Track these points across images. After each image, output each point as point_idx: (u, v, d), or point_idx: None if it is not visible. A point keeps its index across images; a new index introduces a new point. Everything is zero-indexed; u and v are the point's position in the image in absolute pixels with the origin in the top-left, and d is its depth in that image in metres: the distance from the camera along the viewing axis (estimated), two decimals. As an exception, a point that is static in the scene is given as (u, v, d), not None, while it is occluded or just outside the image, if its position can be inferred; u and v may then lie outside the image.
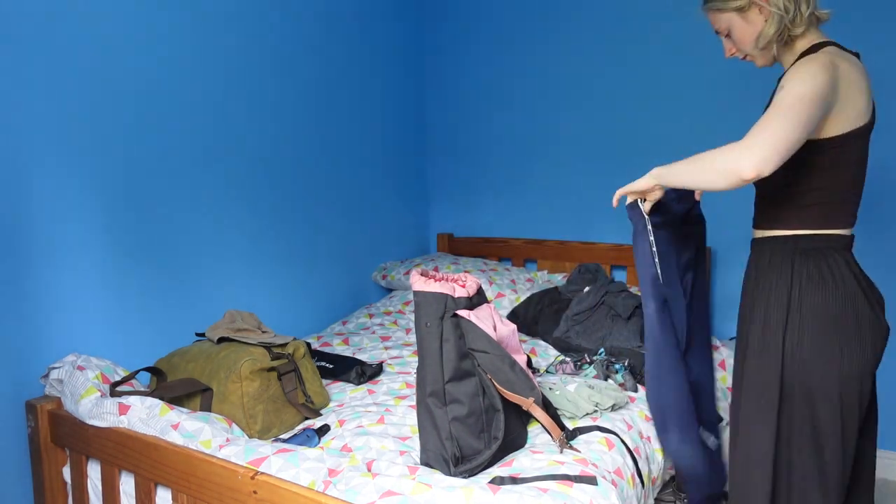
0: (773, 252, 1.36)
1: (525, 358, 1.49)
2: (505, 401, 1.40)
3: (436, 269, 2.69)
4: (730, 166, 1.19)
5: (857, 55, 1.36)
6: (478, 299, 1.47)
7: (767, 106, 1.32)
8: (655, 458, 1.65)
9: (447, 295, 1.39)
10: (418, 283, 1.42)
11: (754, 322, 1.35)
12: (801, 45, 1.35)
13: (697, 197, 1.57)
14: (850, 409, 1.31)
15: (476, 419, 1.36)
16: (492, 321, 1.45)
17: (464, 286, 1.44)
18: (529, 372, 1.47)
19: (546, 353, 2.18)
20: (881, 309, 1.37)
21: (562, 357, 2.06)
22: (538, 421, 1.42)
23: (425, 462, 1.36)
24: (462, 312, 1.39)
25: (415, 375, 1.81)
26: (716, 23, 1.42)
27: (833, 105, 1.24)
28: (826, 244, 1.32)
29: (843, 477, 1.35)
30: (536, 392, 1.39)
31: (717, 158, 1.23)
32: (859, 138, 1.30)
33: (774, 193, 1.37)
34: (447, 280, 1.47)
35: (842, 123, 1.27)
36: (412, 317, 2.55)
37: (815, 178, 1.31)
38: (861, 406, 1.34)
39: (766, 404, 1.32)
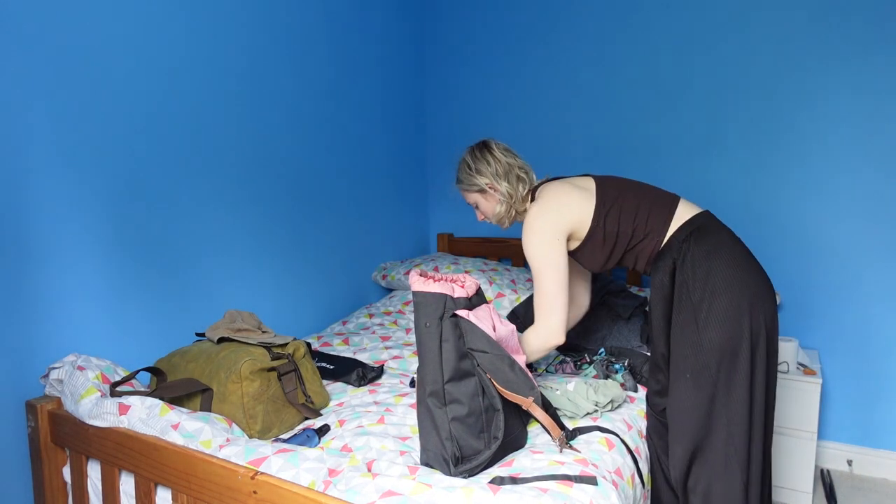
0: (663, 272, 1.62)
1: (524, 358, 1.49)
2: (505, 401, 1.40)
3: (436, 270, 2.69)
4: (543, 347, 1.65)
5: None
6: (477, 300, 1.47)
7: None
8: (655, 459, 1.65)
9: (446, 295, 1.39)
10: (417, 283, 1.42)
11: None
12: (526, 204, 1.77)
13: None
14: None
15: (476, 419, 1.36)
16: (491, 321, 1.45)
17: (463, 286, 1.44)
18: (529, 372, 1.47)
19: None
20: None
21: (562, 357, 2.06)
22: (538, 420, 1.42)
23: (425, 462, 1.36)
24: (461, 313, 1.39)
25: (415, 376, 1.81)
26: (467, 198, 1.84)
27: (571, 224, 1.64)
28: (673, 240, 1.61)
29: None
30: (536, 392, 1.39)
31: (530, 349, 1.65)
32: (603, 198, 1.66)
33: (626, 254, 1.69)
34: (446, 280, 1.47)
35: (586, 218, 1.64)
36: (412, 317, 2.55)
37: (620, 228, 1.64)
38: None
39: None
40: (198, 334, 1.81)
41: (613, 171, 2.77)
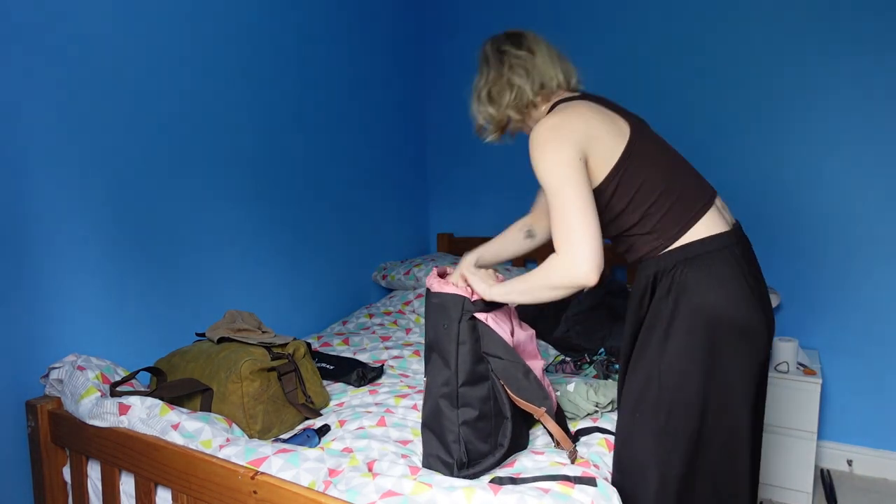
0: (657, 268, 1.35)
1: (542, 363, 1.46)
2: (514, 407, 1.38)
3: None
4: (559, 283, 1.26)
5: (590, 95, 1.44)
6: (496, 302, 1.43)
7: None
8: (655, 459, 1.65)
9: (465, 297, 1.36)
10: (436, 283, 1.39)
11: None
12: (538, 113, 1.45)
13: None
14: None
15: (486, 423, 1.35)
16: (510, 325, 1.42)
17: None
18: (546, 379, 1.45)
19: (546, 353, 2.18)
20: None
21: (562, 357, 2.06)
22: (549, 431, 1.40)
23: (427, 465, 1.36)
24: (480, 315, 1.36)
25: (414, 377, 1.81)
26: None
27: (588, 158, 1.29)
28: (702, 248, 1.31)
29: None
30: (549, 402, 1.36)
31: (550, 282, 1.27)
32: (629, 159, 1.32)
33: (617, 236, 1.40)
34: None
35: (602, 167, 1.31)
36: (412, 317, 2.55)
37: (629, 207, 1.34)
38: None
39: None
40: (198, 334, 1.81)
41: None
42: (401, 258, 3.03)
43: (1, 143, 1.53)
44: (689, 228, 1.31)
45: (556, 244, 1.25)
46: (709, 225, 1.32)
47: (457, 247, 3.13)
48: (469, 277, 1.41)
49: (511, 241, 1.67)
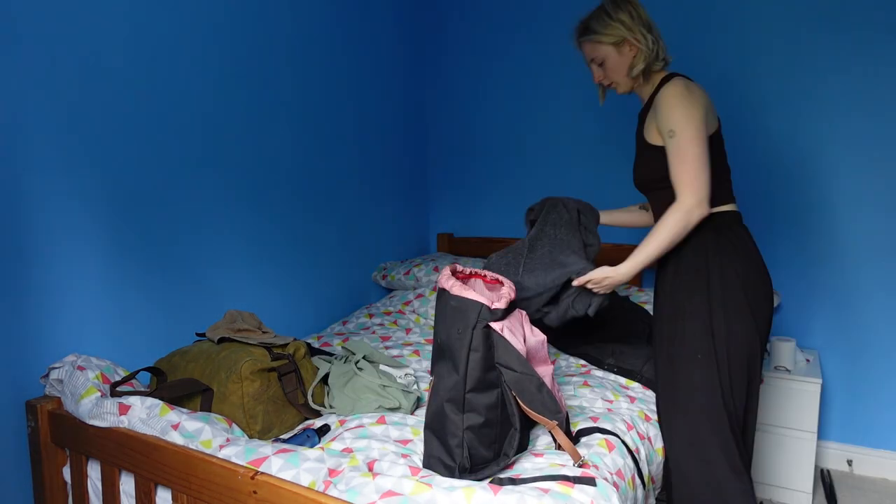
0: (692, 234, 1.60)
1: (552, 368, 1.45)
2: (522, 417, 1.37)
3: (471, 271, 2.69)
4: (690, 224, 1.53)
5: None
6: (511, 307, 1.42)
7: (639, 130, 1.70)
8: (654, 459, 1.65)
9: (483, 304, 1.34)
10: (457, 287, 1.37)
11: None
12: (656, 77, 1.67)
13: None
14: None
15: (490, 430, 1.34)
16: (522, 332, 1.40)
17: (500, 298, 1.39)
18: (557, 388, 1.45)
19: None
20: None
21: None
22: (558, 442, 1.39)
23: (427, 465, 1.36)
24: (495, 326, 1.34)
25: (413, 377, 1.81)
26: (593, 52, 1.69)
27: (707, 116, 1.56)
28: (729, 219, 1.62)
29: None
30: (561, 416, 1.35)
31: (678, 231, 1.54)
32: (717, 137, 1.62)
33: (668, 194, 1.61)
34: (476, 276, 1.44)
35: (709, 127, 1.58)
36: (412, 317, 2.55)
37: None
38: None
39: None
40: (198, 334, 1.81)
41: (616, 170, 2.76)
42: (401, 258, 3.03)
43: (1, 143, 1.53)
44: (726, 203, 1.63)
45: (683, 185, 1.51)
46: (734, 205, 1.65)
47: (457, 247, 3.13)
48: (595, 275, 1.59)
49: (631, 212, 1.99)
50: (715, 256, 1.57)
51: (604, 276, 1.59)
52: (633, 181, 1.76)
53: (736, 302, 1.55)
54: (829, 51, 2.35)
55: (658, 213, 1.69)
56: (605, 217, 1.96)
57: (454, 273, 1.47)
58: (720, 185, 1.60)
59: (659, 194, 1.66)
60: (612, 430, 1.55)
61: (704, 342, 1.55)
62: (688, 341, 1.58)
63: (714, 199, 1.57)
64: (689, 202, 1.51)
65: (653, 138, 1.62)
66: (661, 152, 1.59)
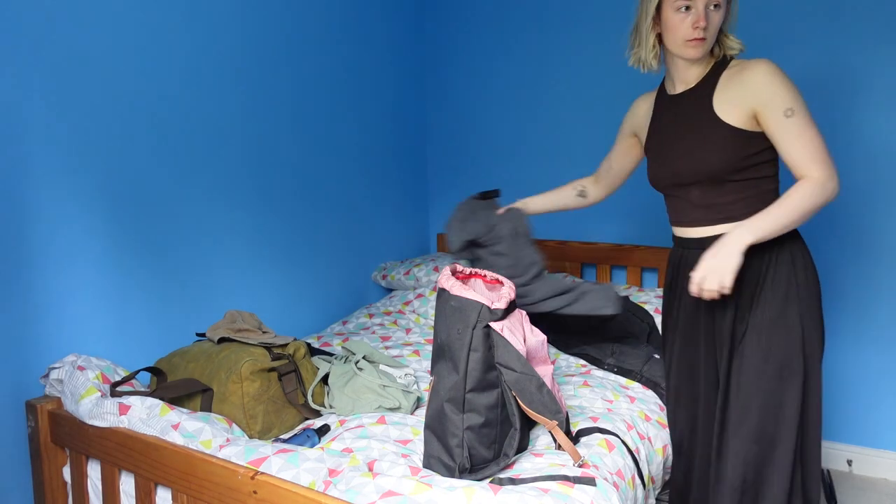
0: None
1: (552, 368, 1.45)
2: (522, 417, 1.37)
3: (472, 271, 2.69)
4: (827, 199, 1.38)
5: None
6: (511, 307, 1.42)
7: (697, 111, 1.48)
8: (655, 459, 1.65)
9: (483, 304, 1.34)
10: (457, 286, 1.37)
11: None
12: (709, 63, 1.52)
13: None
14: None
15: (490, 430, 1.34)
16: (522, 332, 1.40)
17: (500, 298, 1.39)
18: (557, 389, 1.45)
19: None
20: None
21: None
22: (558, 442, 1.39)
23: (427, 465, 1.36)
24: (496, 326, 1.34)
25: (413, 377, 1.81)
26: None
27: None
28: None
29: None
30: (561, 416, 1.35)
31: (815, 202, 1.37)
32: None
33: (737, 187, 1.48)
34: (476, 276, 1.44)
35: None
36: (412, 317, 2.55)
37: (769, 166, 1.48)
38: None
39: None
40: (198, 334, 1.81)
41: (613, 172, 2.76)
42: (401, 258, 3.03)
43: (2, 143, 1.53)
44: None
45: (814, 162, 1.37)
46: None
47: (457, 247, 3.12)
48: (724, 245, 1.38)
49: (563, 196, 1.92)
50: (801, 264, 1.47)
51: (733, 234, 1.38)
52: (665, 174, 1.57)
53: (817, 313, 1.48)
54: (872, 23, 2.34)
55: (725, 212, 1.48)
56: (538, 203, 1.91)
57: (454, 273, 1.47)
58: (776, 186, 1.51)
59: (732, 187, 1.46)
60: (612, 431, 1.55)
61: (798, 355, 1.45)
62: (786, 353, 1.44)
63: (772, 200, 1.45)
64: (824, 174, 1.36)
65: (735, 119, 1.43)
66: (745, 136, 1.42)
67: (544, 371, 1.41)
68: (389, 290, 2.92)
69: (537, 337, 1.43)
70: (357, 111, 2.73)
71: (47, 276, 1.63)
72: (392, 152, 2.99)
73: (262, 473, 1.21)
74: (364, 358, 1.76)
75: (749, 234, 1.34)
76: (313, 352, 1.94)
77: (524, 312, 1.47)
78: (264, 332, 1.77)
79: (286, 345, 1.71)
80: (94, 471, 1.52)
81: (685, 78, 1.52)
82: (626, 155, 1.84)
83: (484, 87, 3.05)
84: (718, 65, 1.50)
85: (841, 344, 2.46)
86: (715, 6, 1.42)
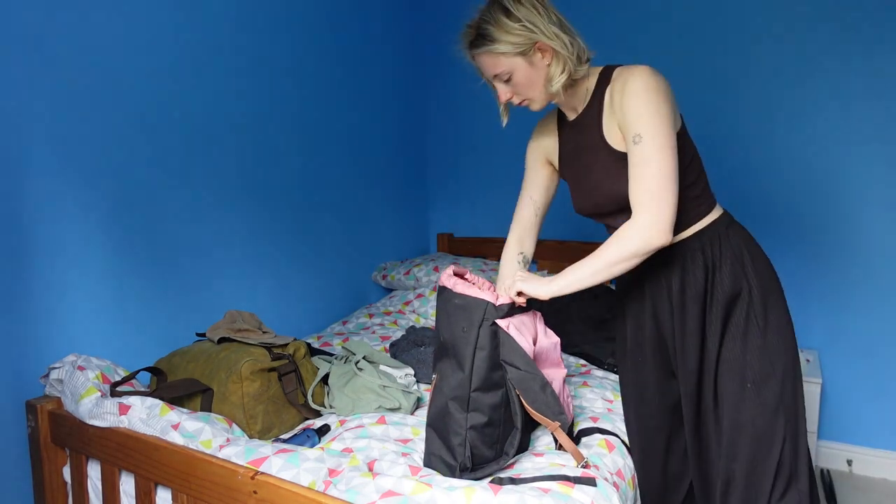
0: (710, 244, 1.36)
1: (564, 373, 1.43)
2: (525, 417, 1.36)
3: (471, 276, 2.69)
4: (642, 249, 1.22)
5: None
6: (520, 307, 1.39)
7: (590, 138, 1.35)
8: (655, 459, 1.65)
9: (488, 302, 1.33)
10: (460, 285, 1.36)
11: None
12: (588, 83, 1.36)
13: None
14: None
15: (493, 430, 1.34)
16: (533, 332, 1.38)
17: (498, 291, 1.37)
18: (566, 390, 1.44)
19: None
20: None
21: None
22: (560, 443, 1.38)
23: (428, 463, 1.36)
24: (501, 323, 1.32)
25: (413, 377, 1.80)
26: (495, 67, 1.32)
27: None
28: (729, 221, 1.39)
29: None
30: (564, 417, 1.34)
31: (620, 253, 1.24)
32: (683, 134, 1.34)
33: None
34: (477, 285, 1.41)
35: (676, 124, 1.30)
36: (412, 317, 2.55)
37: (688, 172, 1.33)
38: None
39: None
40: (198, 334, 1.81)
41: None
42: (401, 258, 3.03)
43: (2, 144, 1.53)
44: (715, 203, 1.39)
45: (641, 204, 1.21)
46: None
47: (457, 247, 3.13)
48: (521, 285, 1.34)
49: (511, 272, 1.56)
50: (751, 268, 1.34)
51: (529, 287, 1.33)
52: (587, 206, 1.43)
53: (783, 307, 1.36)
54: (832, 48, 2.34)
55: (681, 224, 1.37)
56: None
57: (455, 273, 1.46)
58: (703, 190, 1.37)
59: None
60: (612, 431, 1.55)
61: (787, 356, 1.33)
62: (774, 356, 1.32)
63: (702, 207, 1.36)
64: (646, 219, 1.20)
65: (619, 143, 1.31)
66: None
67: (556, 374, 1.40)
68: (389, 290, 2.92)
69: (551, 339, 1.42)
70: (357, 111, 2.73)
71: (47, 276, 1.63)
72: (392, 152, 2.99)
73: (262, 473, 1.21)
74: (364, 358, 1.76)
75: (546, 293, 1.31)
76: (313, 352, 1.94)
77: (538, 314, 1.45)
78: (264, 332, 1.77)
79: (286, 345, 1.71)
80: (94, 471, 1.52)
81: (572, 104, 1.40)
82: (548, 186, 1.57)
83: (484, 88, 3.04)
84: (601, 81, 1.35)
85: (841, 344, 2.46)
86: (505, 81, 1.33)
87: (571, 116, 1.43)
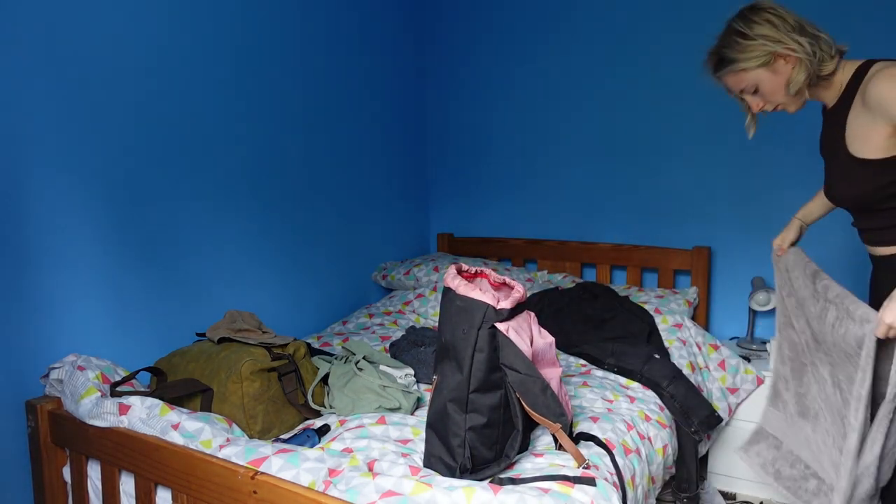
0: None
1: (560, 371, 1.44)
2: (525, 419, 1.36)
3: (477, 270, 2.69)
4: None
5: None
6: (518, 308, 1.40)
7: (825, 140, 1.40)
8: (655, 459, 1.65)
9: (489, 305, 1.33)
10: (463, 286, 1.36)
11: None
12: (841, 76, 1.36)
13: None
14: None
15: (492, 430, 1.34)
16: (530, 333, 1.39)
17: (508, 297, 1.38)
18: (563, 388, 1.44)
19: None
20: None
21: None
22: (562, 444, 1.38)
23: (428, 464, 1.36)
24: (501, 326, 1.33)
25: (413, 377, 1.81)
26: (739, 83, 1.40)
27: None
28: None
29: None
30: (565, 419, 1.34)
31: None
32: None
33: (887, 214, 1.35)
34: (482, 276, 1.42)
35: None
36: (412, 317, 2.55)
37: None
38: None
39: None
40: (198, 334, 1.81)
41: (617, 170, 2.76)
42: (401, 258, 3.03)
43: (3, 144, 1.53)
44: None
45: None
46: None
47: (457, 247, 3.13)
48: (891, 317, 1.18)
49: (821, 204, 1.62)
50: None
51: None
52: (829, 196, 1.46)
53: None
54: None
55: (879, 237, 1.39)
56: (810, 218, 1.65)
57: (459, 272, 1.46)
58: None
59: (881, 215, 1.35)
60: (612, 431, 1.55)
61: None
62: None
63: None
64: None
65: (870, 149, 1.29)
66: (879, 166, 1.28)
67: (552, 374, 1.40)
68: (389, 290, 2.92)
69: (545, 339, 1.42)
70: (357, 111, 2.74)
71: (47, 276, 1.63)
72: (392, 152, 2.99)
73: (262, 473, 1.21)
74: (364, 358, 1.76)
75: None
76: (313, 352, 1.94)
77: (532, 314, 1.46)
78: (264, 332, 1.77)
79: (286, 345, 1.71)
80: (94, 471, 1.52)
81: (826, 99, 1.42)
82: None
83: (484, 88, 3.05)
84: (857, 75, 1.32)
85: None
86: (753, 93, 1.39)
87: (829, 105, 1.44)
